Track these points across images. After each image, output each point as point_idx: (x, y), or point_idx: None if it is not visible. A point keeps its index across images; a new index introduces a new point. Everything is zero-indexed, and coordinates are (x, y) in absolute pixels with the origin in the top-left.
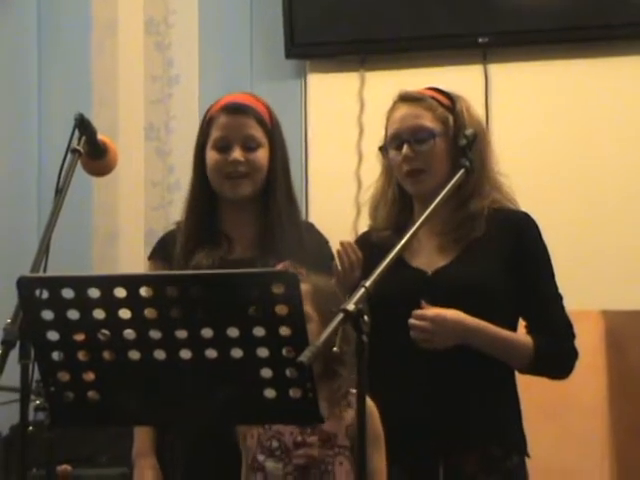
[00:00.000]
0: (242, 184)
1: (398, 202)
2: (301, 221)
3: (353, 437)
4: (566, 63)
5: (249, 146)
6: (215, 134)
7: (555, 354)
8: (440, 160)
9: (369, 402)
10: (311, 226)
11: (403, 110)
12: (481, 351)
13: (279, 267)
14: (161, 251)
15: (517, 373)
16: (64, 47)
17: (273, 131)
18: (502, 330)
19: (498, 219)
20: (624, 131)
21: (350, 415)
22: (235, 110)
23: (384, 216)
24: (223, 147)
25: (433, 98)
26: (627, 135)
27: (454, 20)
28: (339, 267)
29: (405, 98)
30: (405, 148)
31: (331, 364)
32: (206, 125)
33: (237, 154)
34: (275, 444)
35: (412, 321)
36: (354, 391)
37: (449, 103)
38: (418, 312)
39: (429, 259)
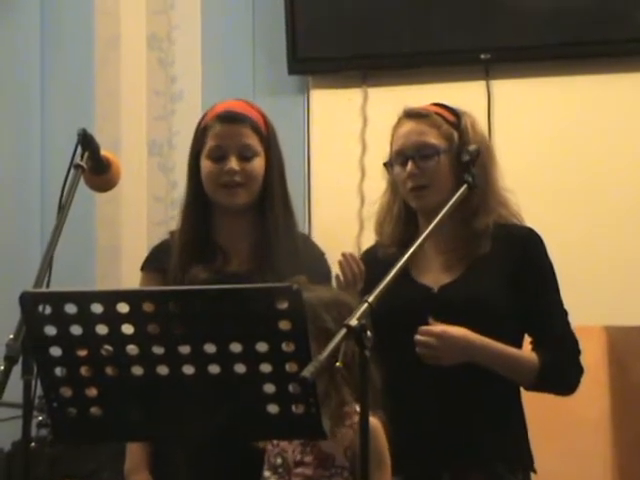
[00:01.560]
0: (238, 193)
1: (404, 218)
2: (297, 231)
3: (352, 458)
4: (569, 79)
5: (245, 155)
6: (210, 143)
7: (560, 371)
8: (444, 176)
9: (375, 422)
10: (307, 238)
11: (408, 126)
12: (487, 368)
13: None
14: (154, 262)
15: (521, 389)
16: (67, 63)
17: (269, 139)
18: (508, 347)
19: (503, 235)
20: (627, 147)
21: (350, 436)
22: (230, 119)
23: (389, 232)
24: (218, 157)
25: (438, 114)
26: (630, 151)
27: (456, 36)
28: (341, 278)
29: (410, 114)
30: (410, 165)
31: (333, 382)
32: (200, 134)
33: (233, 164)
34: (279, 461)
35: (418, 337)
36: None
37: (454, 119)
38: (424, 328)
39: (435, 276)
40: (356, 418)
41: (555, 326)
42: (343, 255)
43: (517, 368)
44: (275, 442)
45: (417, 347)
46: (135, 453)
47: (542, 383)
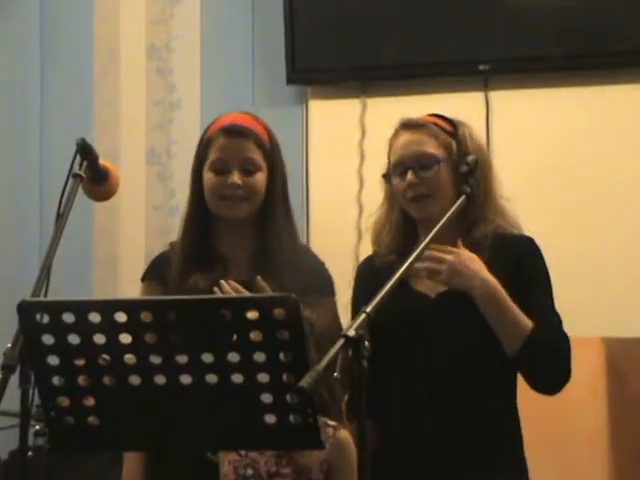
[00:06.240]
0: (239, 206)
1: (402, 228)
2: (299, 244)
3: (326, 472)
4: (567, 90)
5: (248, 169)
6: (213, 156)
7: (548, 342)
8: (445, 186)
9: (346, 435)
10: (307, 249)
11: (406, 137)
12: (487, 313)
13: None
14: (155, 272)
15: (518, 399)
16: (66, 71)
17: (272, 153)
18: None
19: (501, 244)
20: (626, 158)
21: (325, 450)
22: (235, 133)
23: (387, 242)
24: (221, 169)
25: (435, 124)
26: (629, 163)
27: (455, 47)
28: None
29: (407, 125)
30: (409, 174)
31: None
32: (204, 146)
33: (235, 177)
34: (250, 472)
35: (432, 252)
36: (331, 423)
37: (451, 129)
38: (440, 246)
39: (433, 284)
40: (330, 431)
41: (546, 318)
42: None
43: (514, 324)
44: (243, 453)
45: (427, 262)
46: (132, 463)
47: (526, 351)
